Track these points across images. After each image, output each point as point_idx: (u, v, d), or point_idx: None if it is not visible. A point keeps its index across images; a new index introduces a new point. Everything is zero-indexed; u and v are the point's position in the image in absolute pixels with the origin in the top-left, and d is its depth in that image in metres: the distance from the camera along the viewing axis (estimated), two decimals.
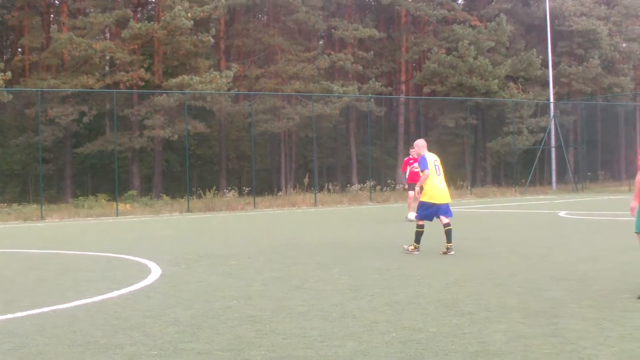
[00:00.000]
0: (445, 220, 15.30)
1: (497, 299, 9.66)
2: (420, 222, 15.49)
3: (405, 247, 15.61)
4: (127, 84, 46.90)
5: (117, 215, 34.28)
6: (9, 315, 9.35)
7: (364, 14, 62.22)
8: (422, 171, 15.51)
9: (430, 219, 15.56)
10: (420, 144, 16.07)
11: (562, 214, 27.54)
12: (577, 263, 13.17)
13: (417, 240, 15.41)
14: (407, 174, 24.85)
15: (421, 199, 15.49)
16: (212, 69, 47.20)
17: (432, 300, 9.67)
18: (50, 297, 10.83)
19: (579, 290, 10.20)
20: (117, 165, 39.27)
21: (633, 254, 13.97)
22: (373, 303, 9.61)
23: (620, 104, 66.10)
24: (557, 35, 63.34)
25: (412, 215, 22.97)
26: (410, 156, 24.58)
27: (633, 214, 10.10)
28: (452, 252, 14.99)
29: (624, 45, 66.57)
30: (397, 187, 48.04)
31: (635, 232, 10.04)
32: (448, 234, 15.18)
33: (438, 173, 15.49)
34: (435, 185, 15.38)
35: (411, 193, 24.34)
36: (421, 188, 15.53)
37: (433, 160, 15.59)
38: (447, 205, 15.54)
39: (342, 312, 9.08)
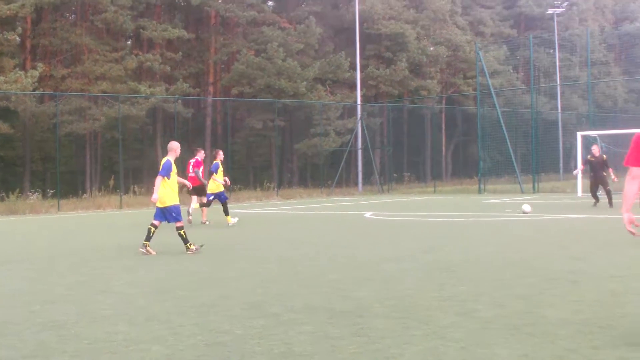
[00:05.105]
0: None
1: (303, 300, 9.77)
2: (157, 222, 16.03)
3: (143, 250, 15.79)
4: None
5: None
6: None
7: (174, 15, 61.81)
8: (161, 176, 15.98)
9: (164, 220, 16.10)
10: (171, 147, 16.57)
11: (368, 214, 28.09)
12: (382, 263, 13.47)
13: (148, 238, 15.81)
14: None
15: (157, 205, 16.04)
16: (17, 69, 45.78)
17: (238, 302, 9.69)
18: None
19: (383, 290, 10.43)
20: None
21: (436, 254, 14.48)
22: (179, 306, 9.56)
23: (427, 106, 68.21)
24: (366, 38, 64.80)
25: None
26: (199, 159, 24.59)
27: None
28: (197, 248, 15.91)
29: (431, 48, 68.75)
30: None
31: None
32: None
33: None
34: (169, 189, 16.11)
35: (194, 198, 24.47)
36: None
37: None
38: (176, 207, 16.08)
39: (147, 315, 9.01)
